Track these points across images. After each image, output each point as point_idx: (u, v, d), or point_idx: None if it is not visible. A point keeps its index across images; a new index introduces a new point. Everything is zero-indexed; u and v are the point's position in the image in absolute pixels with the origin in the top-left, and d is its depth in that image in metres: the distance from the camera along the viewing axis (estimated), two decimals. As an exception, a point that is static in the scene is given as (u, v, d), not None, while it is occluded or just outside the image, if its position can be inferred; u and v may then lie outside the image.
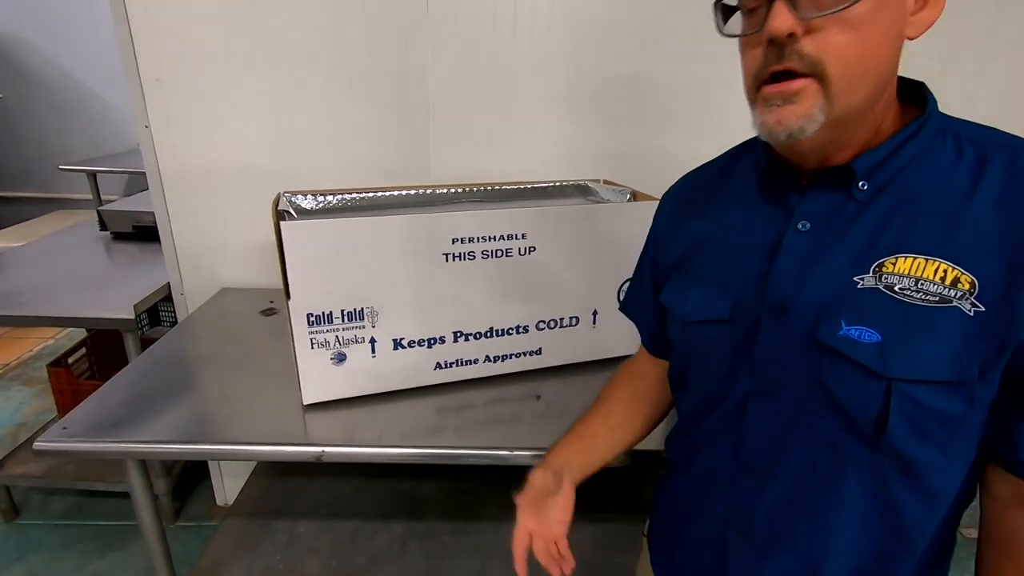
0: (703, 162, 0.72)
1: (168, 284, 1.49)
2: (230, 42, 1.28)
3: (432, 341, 1.00)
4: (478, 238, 0.96)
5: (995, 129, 0.54)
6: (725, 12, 0.54)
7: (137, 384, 1.03)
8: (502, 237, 0.97)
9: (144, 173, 1.37)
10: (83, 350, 1.86)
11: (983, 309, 0.48)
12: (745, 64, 0.53)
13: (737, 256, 0.60)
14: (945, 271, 0.49)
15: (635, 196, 1.12)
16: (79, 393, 1.69)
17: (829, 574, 0.59)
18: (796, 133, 0.50)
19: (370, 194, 1.11)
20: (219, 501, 1.73)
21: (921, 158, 0.53)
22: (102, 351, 1.90)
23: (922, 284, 0.50)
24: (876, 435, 0.52)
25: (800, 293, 0.55)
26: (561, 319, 1.07)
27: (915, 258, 0.50)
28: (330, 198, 1.09)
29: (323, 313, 0.91)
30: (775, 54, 0.49)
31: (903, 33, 0.50)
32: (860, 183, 0.53)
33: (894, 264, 0.51)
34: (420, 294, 0.96)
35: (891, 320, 0.50)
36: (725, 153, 0.71)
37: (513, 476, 0.77)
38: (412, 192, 1.14)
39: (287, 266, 0.86)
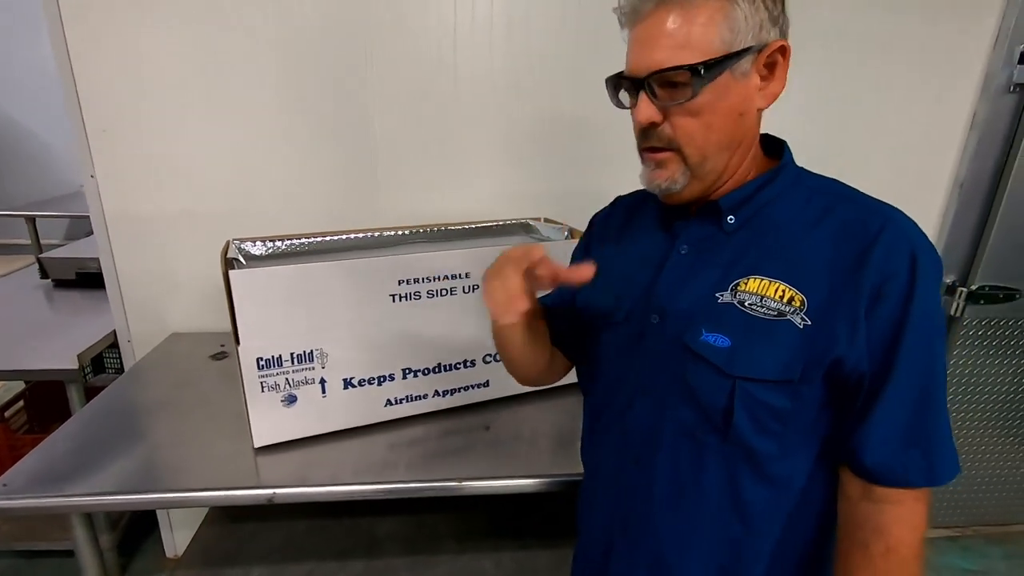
0: None
1: (114, 331, 1.47)
2: (177, 91, 1.31)
3: (382, 379, 1.03)
4: (423, 279, 1.01)
5: (839, 182, 0.66)
6: (616, 85, 0.66)
7: (82, 435, 1.02)
8: (446, 277, 1.02)
9: (87, 217, 1.37)
10: (20, 403, 1.79)
11: (810, 323, 0.59)
12: (634, 130, 0.66)
13: (634, 269, 0.71)
14: (784, 291, 0.60)
15: (572, 233, 1.20)
16: (17, 448, 1.62)
17: (689, 564, 0.68)
18: (665, 189, 0.64)
19: (319, 239, 1.15)
20: (168, 553, 1.68)
21: (778, 201, 0.65)
22: (41, 403, 1.83)
23: (765, 301, 0.61)
24: (725, 426, 0.63)
25: (674, 304, 0.65)
26: (507, 352, 1.13)
27: (762, 279, 0.61)
28: (279, 244, 1.13)
29: (273, 357, 0.94)
30: (644, 136, 0.63)
31: (752, 107, 0.62)
32: (728, 217, 0.65)
33: (746, 284, 0.62)
34: (368, 334, 1.00)
35: (739, 329, 0.61)
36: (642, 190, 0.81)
37: (470, 507, 0.81)
38: (361, 235, 1.19)
39: (236, 313, 0.89)
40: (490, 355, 1.12)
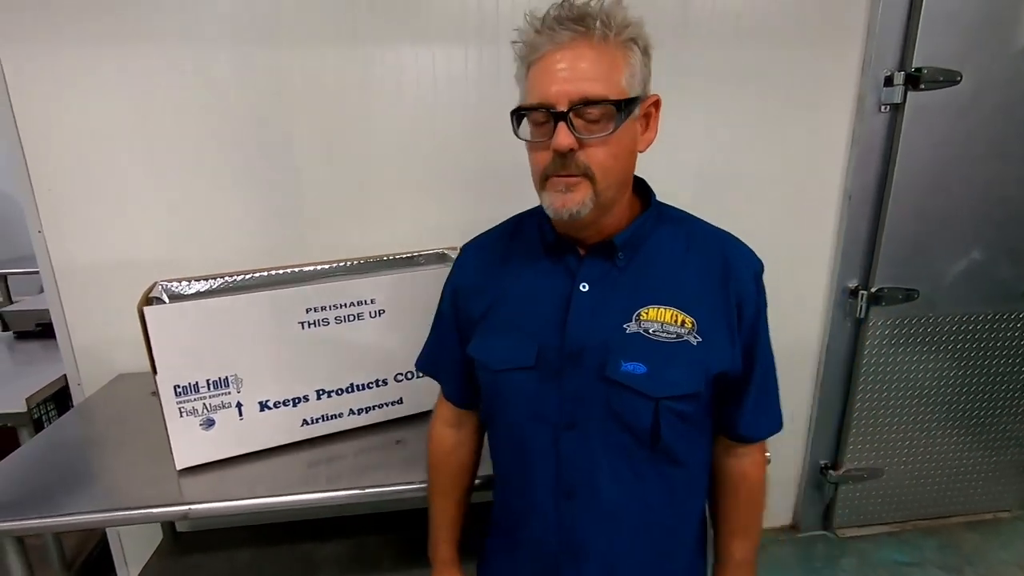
0: None
1: (64, 376, 1.55)
2: (116, 150, 1.43)
3: (296, 400, 1.13)
4: (330, 306, 1.11)
5: (686, 212, 0.80)
6: (518, 117, 0.69)
7: (19, 470, 1.09)
8: (352, 304, 1.13)
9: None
10: (-19, 452, 1.85)
11: (701, 340, 0.70)
12: (534, 161, 0.70)
13: (535, 311, 0.76)
14: (676, 316, 0.70)
15: (479, 259, 1.31)
16: (-26, 495, 1.67)
17: (635, 556, 0.77)
18: (575, 214, 0.68)
19: (247, 276, 1.25)
20: (125, 591, 1.72)
21: (652, 237, 0.75)
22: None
23: (665, 327, 0.71)
24: (653, 440, 0.72)
25: (589, 341, 0.72)
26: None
27: (659, 308, 0.71)
28: (211, 282, 1.23)
29: (189, 384, 1.03)
30: (560, 162, 0.66)
31: (636, 150, 0.71)
32: (619, 254, 0.73)
33: (647, 313, 0.71)
34: (281, 359, 1.09)
35: (650, 356, 0.70)
36: (509, 220, 0.88)
37: (405, 527, 0.90)
38: (288, 271, 1.29)
39: (151, 345, 0.99)
40: (401, 374, 1.21)
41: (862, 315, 1.77)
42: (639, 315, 0.70)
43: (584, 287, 0.73)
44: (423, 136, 1.53)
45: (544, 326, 0.74)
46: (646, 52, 0.67)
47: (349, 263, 1.34)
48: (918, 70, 1.57)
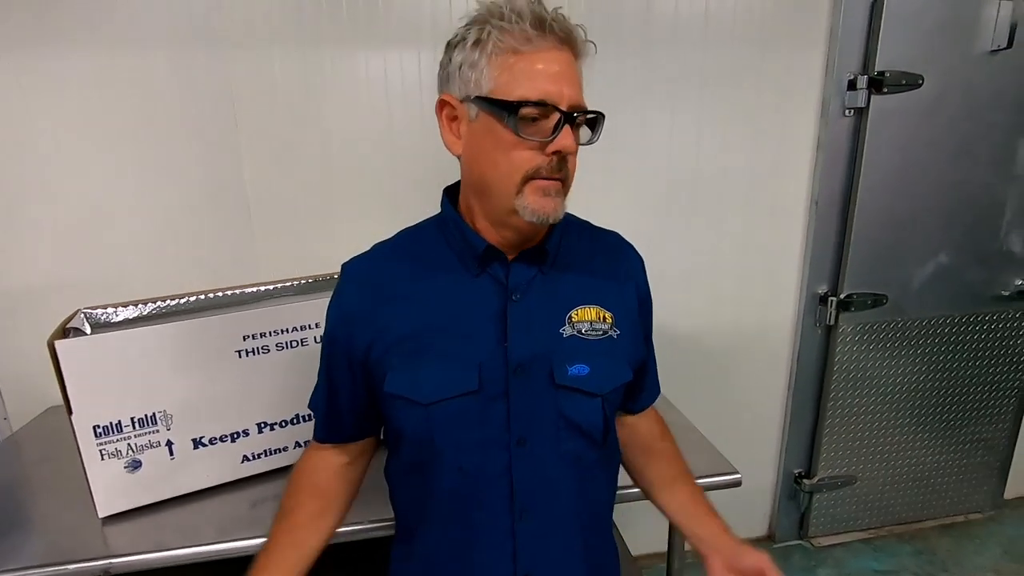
0: None
1: (-11, 410, 1.43)
2: (39, 161, 1.32)
3: (236, 435, 1.04)
4: (270, 332, 1.03)
5: (589, 222, 0.82)
6: (511, 109, 0.61)
7: (-79, 522, 0.99)
8: (294, 328, 1.05)
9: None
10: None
11: (620, 332, 0.73)
12: (518, 160, 0.63)
13: (467, 330, 0.68)
14: (600, 313, 0.72)
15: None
16: None
17: (585, 556, 0.76)
18: (556, 218, 0.66)
19: (185, 299, 1.15)
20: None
21: (564, 242, 0.74)
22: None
23: (594, 324, 0.71)
24: (603, 438, 0.73)
25: (533, 351, 0.69)
26: (370, 397, 1.14)
27: (586, 308, 0.71)
28: (142, 308, 1.13)
29: (111, 423, 0.93)
30: (558, 164, 0.64)
31: None
32: (548, 259, 0.72)
33: (577, 314, 0.71)
34: (216, 392, 1.00)
35: (589, 355, 0.70)
36: (398, 236, 0.78)
37: (360, 560, 0.82)
38: (229, 293, 1.20)
39: (65, 382, 0.89)
40: (352, 402, 1.13)
41: (832, 321, 1.74)
42: (571, 317, 0.71)
43: (516, 297, 0.70)
44: (377, 143, 1.45)
45: (481, 344, 0.68)
46: None
47: (295, 283, 1.25)
48: (880, 74, 1.55)
